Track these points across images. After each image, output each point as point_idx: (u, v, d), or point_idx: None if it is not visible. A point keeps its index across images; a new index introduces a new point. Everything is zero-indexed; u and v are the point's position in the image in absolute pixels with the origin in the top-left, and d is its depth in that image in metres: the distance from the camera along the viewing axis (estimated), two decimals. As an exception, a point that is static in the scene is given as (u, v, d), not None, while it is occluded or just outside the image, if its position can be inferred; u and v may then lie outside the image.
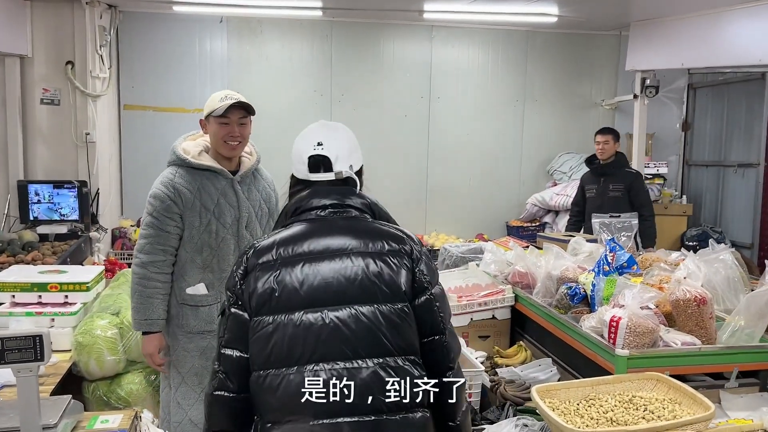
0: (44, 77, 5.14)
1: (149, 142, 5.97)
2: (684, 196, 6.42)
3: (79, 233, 4.94)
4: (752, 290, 3.49)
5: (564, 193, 5.96)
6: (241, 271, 1.59)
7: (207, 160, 2.55)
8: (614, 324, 2.74)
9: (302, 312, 1.52)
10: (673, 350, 2.71)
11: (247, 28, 6.07)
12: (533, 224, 6.18)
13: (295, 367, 1.50)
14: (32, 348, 1.85)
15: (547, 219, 6.15)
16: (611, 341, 2.74)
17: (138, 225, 5.82)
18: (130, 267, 4.43)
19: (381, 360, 1.52)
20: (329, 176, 1.69)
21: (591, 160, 5.37)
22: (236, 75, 6.08)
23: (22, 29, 5.00)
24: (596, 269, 3.26)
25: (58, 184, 4.93)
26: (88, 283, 2.92)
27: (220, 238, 2.53)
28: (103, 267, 3.36)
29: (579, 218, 5.32)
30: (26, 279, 2.88)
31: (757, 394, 2.77)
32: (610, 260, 3.28)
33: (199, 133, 2.70)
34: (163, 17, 5.87)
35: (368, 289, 1.55)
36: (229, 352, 1.56)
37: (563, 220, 5.98)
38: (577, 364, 3.10)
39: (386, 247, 1.60)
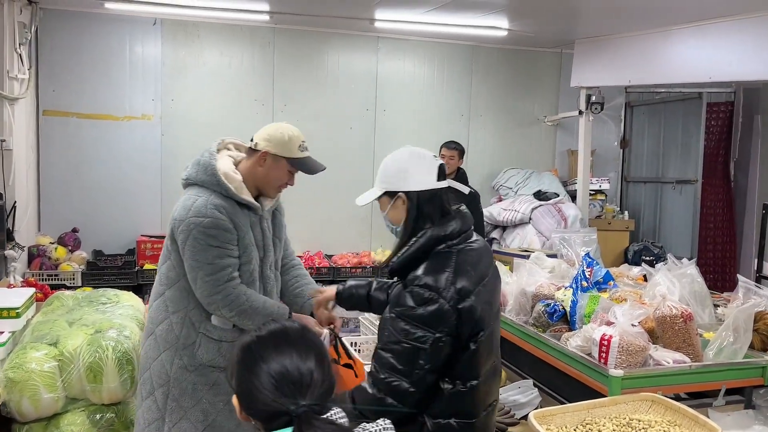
0: (-47, 77, 4.59)
1: (72, 151, 5.49)
2: (626, 212, 6.54)
3: (-7, 251, 4.42)
4: (715, 305, 3.50)
5: (511, 209, 5.92)
6: (453, 303, 1.76)
7: (247, 194, 2.30)
8: (605, 343, 2.62)
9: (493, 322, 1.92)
10: (666, 369, 2.62)
11: (183, 32, 5.69)
12: (481, 240, 6.09)
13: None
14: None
15: (495, 234, 6.09)
16: (602, 361, 2.62)
17: (59, 243, 5.30)
18: (56, 290, 3.99)
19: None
20: (445, 183, 1.94)
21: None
22: (170, 81, 5.68)
23: (-72, 22, 4.45)
24: (574, 285, 3.14)
25: (-32, 197, 4.40)
26: (18, 308, 2.51)
27: (252, 278, 2.33)
28: (33, 290, 2.93)
29: None
30: (-59, 305, 2.45)
31: (743, 411, 2.73)
32: (587, 276, 3.18)
33: (223, 142, 2.43)
34: (89, 16, 5.41)
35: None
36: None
37: (511, 236, 5.93)
38: (559, 385, 2.96)
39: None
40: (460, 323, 1.76)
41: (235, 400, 1.30)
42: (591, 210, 6.24)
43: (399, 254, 1.87)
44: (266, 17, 5.40)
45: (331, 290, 2.25)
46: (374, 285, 2.20)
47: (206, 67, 5.77)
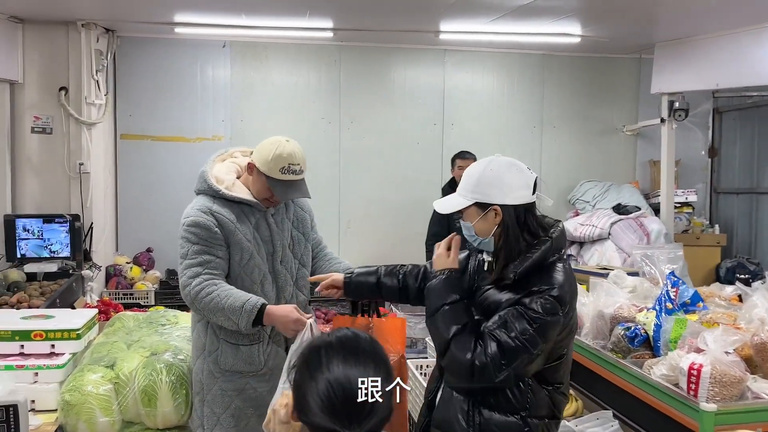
0: (35, 104, 4.81)
1: (147, 173, 5.66)
2: (716, 226, 6.07)
3: (71, 271, 4.57)
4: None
5: (589, 223, 5.60)
6: (567, 317, 1.81)
7: (241, 192, 2.35)
8: (695, 372, 2.35)
9: None
10: (766, 403, 2.32)
11: (252, 54, 5.77)
12: (556, 257, 5.78)
13: None
14: (4, 421, 1.45)
15: (572, 251, 5.77)
16: (692, 393, 2.35)
17: (135, 262, 5.44)
18: (126, 309, 4.07)
19: None
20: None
21: (453, 186, 4.89)
22: (239, 102, 5.77)
23: (13, 53, 4.68)
24: (657, 307, 2.87)
25: (48, 219, 4.57)
26: (78, 330, 2.52)
27: (262, 273, 2.34)
28: (96, 310, 2.96)
29: None
30: (6, 326, 2.48)
31: None
32: (672, 296, 2.90)
33: (229, 152, 2.54)
34: (163, 42, 5.58)
35: None
36: None
37: (588, 252, 5.61)
38: (642, 417, 2.69)
39: None
40: (564, 334, 1.83)
41: (289, 397, 1.26)
42: (677, 224, 5.81)
43: (517, 264, 1.80)
44: (330, 34, 5.38)
45: (338, 276, 2.19)
46: (383, 271, 2.15)
47: (274, 87, 5.82)
